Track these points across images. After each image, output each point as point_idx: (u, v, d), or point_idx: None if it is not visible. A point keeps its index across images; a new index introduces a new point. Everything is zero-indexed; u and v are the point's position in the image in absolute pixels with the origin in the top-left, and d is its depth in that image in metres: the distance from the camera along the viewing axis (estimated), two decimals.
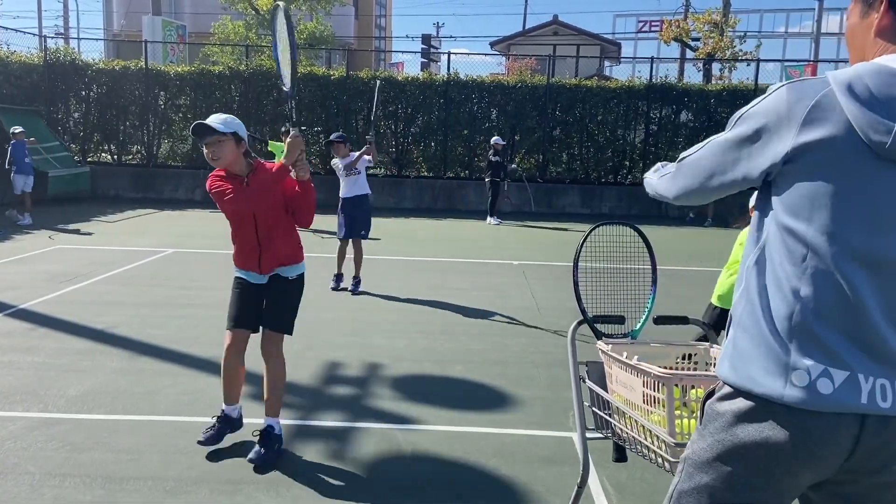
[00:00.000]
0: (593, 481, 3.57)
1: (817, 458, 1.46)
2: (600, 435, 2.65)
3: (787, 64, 24.27)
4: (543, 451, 3.99)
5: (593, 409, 2.64)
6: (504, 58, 28.19)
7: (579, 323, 2.66)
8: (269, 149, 12.90)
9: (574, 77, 18.06)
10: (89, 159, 17.26)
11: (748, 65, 21.44)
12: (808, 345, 1.45)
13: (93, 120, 17.28)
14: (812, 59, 27.27)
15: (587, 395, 2.65)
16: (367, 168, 8.28)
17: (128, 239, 10.86)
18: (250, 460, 3.68)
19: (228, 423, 3.94)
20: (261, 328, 3.89)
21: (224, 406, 3.96)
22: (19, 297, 6.98)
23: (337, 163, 7.99)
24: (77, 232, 11.50)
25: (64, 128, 17.26)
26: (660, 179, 1.86)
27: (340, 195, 8.00)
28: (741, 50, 23.28)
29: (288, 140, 3.66)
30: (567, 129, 17.04)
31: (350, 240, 7.89)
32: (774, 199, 1.52)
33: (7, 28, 17.88)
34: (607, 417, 2.55)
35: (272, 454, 3.73)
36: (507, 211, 15.37)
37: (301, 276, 3.97)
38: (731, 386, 1.54)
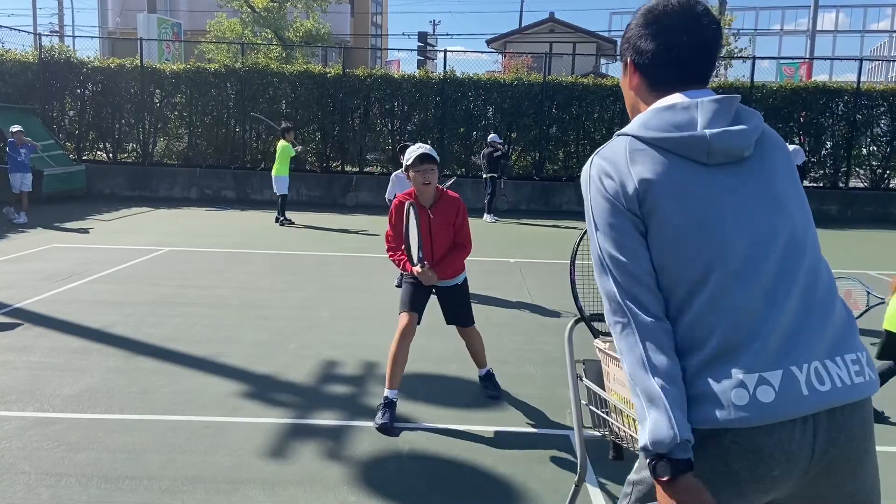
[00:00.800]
0: (590, 479, 3.57)
1: (770, 479, 1.43)
2: (598, 433, 2.65)
3: (781, 62, 24.30)
4: (540, 450, 3.99)
5: (591, 407, 2.64)
6: (500, 55, 28.17)
7: (576, 321, 2.65)
8: (283, 147, 12.78)
9: (570, 75, 18.04)
10: (84, 158, 17.20)
11: (744, 62, 21.47)
12: (733, 360, 1.43)
13: (88, 118, 17.23)
14: (807, 56, 27.28)
15: (584, 393, 2.65)
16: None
17: (123, 237, 10.83)
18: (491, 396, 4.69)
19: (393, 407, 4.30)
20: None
21: (387, 391, 4.29)
22: (14, 297, 6.96)
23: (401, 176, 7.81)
24: (72, 230, 11.46)
25: (59, 126, 17.20)
26: (629, 363, 1.52)
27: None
28: (737, 47, 23.30)
29: (421, 271, 4.38)
30: (563, 126, 17.04)
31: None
32: (652, 251, 1.54)
33: (1, 26, 17.74)
34: (605, 416, 2.55)
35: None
36: (503, 209, 15.37)
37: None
38: None
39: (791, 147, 12.12)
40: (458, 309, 4.67)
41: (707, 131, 1.51)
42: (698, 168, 1.52)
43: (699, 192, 1.50)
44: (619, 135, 1.60)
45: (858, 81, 16.69)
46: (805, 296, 1.49)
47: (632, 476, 1.64)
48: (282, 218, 12.84)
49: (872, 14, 77.62)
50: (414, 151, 4.36)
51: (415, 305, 4.43)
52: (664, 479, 1.38)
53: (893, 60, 60.09)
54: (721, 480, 1.44)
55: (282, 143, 12.77)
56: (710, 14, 1.62)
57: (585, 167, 1.62)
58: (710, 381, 1.44)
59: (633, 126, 1.59)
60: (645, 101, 1.67)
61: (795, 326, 1.46)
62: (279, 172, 12.77)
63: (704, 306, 1.47)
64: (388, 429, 4.14)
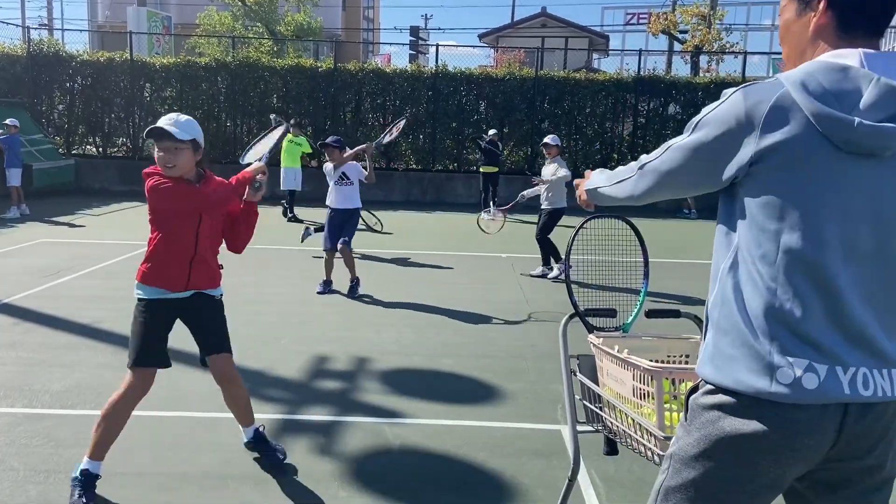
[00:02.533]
0: (582, 474, 3.56)
1: (804, 449, 1.48)
2: (591, 428, 2.64)
3: (773, 57, 24.34)
4: (532, 445, 3.98)
5: (584, 402, 2.63)
6: (493, 50, 28.13)
7: (571, 316, 2.64)
8: (292, 140, 12.71)
9: (562, 69, 18.04)
10: (74, 152, 17.08)
11: (735, 57, 21.50)
12: (789, 341, 1.47)
13: (77, 112, 17.10)
14: (781, 48, 27.24)
15: (578, 388, 2.64)
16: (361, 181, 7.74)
17: (113, 232, 10.76)
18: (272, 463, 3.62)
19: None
20: (205, 356, 3.58)
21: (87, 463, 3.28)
22: (3, 292, 6.90)
23: (329, 168, 7.62)
24: (62, 225, 11.38)
25: (48, 120, 17.07)
26: (616, 185, 1.88)
27: (328, 203, 7.65)
28: (728, 42, 23.35)
29: (256, 165, 3.51)
30: (555, 121, 17.02)
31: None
32: (745, 201, 1.54)
33: None
34: (598, 411, 2.54)
35: (270, 448, 3.67)
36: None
37: (221, 299, 3.60)
38: (715, 386, 1.55)
39: None
40: (214, 329, 3.63)
41: (857, 119, 1.42)
42: (831, 149, 1.45)
43: (818, 176, 1.46)
44: (779, 78, 1.52)
45: None
46: (879, 305, 1.49)
47: (671, 449, 1.66)
48: (290, 214, 12.84)
49: None
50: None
51: (151, 354, 3.42)
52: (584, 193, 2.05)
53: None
54: (759, 446, 1.49)
55: (288, 137, 12.73)
56: None
57: (726, 93, 1.57)
58: (762, 350, 1.49)
59: (796, 76, 1.48)
60: (822, 45, 1.56)
61: (860, 330, 1.47)
62: (284, 165, 12.74)
63: (782, 281, 1.48)
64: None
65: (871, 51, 1.50)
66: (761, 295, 1.50)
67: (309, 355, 5.35)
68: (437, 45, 17.33)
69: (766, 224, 1.50)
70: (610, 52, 34.56)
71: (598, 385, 2.51)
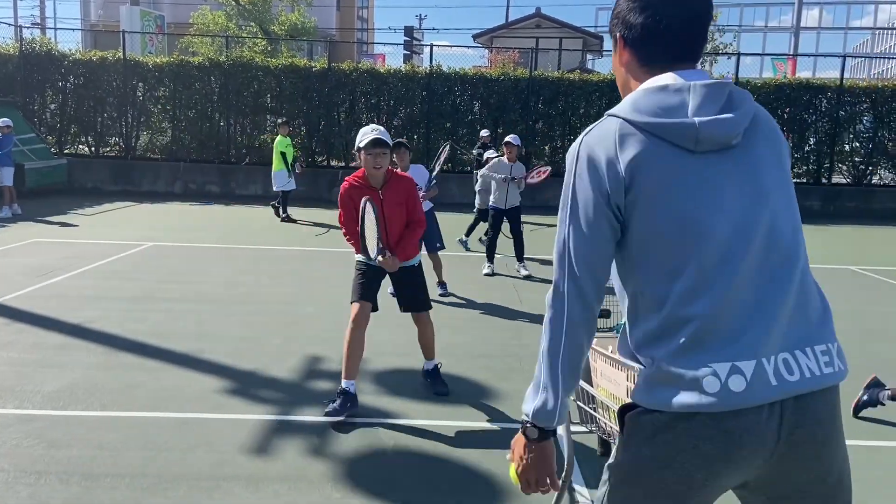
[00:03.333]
0: (576, 475, 3.56)
1: (739, 460, 1.47)
2: (585, 429, 2.63)
3: (773, 58, 24.42)
4: None
5: (578, 403, 2.62)
6: (487, 50, 28.13)
7: None
8: (278, 147, 12.68)
9: (556, 70, 18.04)
10: (66, 151, 17.00)
11: (728, 58, 21.57)
12: (707, 349, 1.47)
13: (70, 111, 17.03)
14: (791, 52, 27.44)
15: None
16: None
17: (106, 232, 10.72)
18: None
19: (351, 398, 4.25)
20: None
21: (344, 382, 4.26)
22: None
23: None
24: (54, 225, 11.33)
25: (40, 119, 16.99)
26: (555, 331, 1.63)
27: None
28: (722, 43, 23.42)
29: (383, 260, 4.32)
30: (550, 122, 17.04)
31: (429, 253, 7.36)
32: (627, 239, 1.56)
33: None
34: (592, 411, 2.54)
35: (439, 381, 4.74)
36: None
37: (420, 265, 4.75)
38: (648, 409, 1.54)
39: None
40: (415, 292, 4.62)
41: (696, 119, 1.49)
42: (685, 155, 1.51)
43: (684, 181, 1.50)
44: (609, 115, 1.58)
45: (842, 78, 16.80)
46: (780, 287, 1.51)
47: (610, 461, 1.66)
48: (283, 214, 12.79)
49: (855, 11, 78.29)
50: (367, 134, 4.26)
51: (365, 294, 4.39)
52: (531, 438, 1.62)
53: (876, 57, 60.64)
54: (694, 461, 1.48)
55: (278, 139, 12.71)
56: None
57: (574, 146, 1.60)
58: (684, 367, 1.47)
59: (624, 107, 1.56)
60: (637, 78, 1.65)
61: (769, 317, 1.49)
62: (275, 168, 12.70)
63: (683, 296, 1.49)
64: (338, 418, 4.14)
65: (681, 68, 1.59)
66: (664, 311, 1.51)
67: (302, 355, 5.33)
68: (432, 46, 17.32)
69: (645, 242, 1.53)
70: (604, 52, 34.62)
71: (592, 386, 2.50)
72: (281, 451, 3.79)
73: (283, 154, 12.58)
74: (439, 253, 7.52)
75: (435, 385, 4.72)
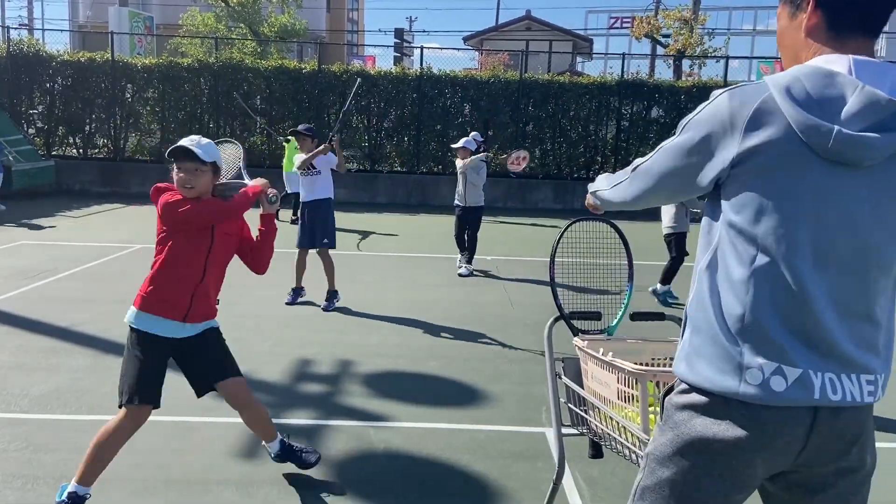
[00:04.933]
0: (566, 477, 3.56)
1: (773, 450, 1.51)
2: (576, 431, 2.64)
3: (758, 61, 24.55)
4: (516, 447, 3.97)
5: (569, 405, 2.62)
6: (477, 53, 28.16)
7: (556, 319, 2.64)
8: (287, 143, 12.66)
9: (547, 72, 18.08)
10: (54, 153, 16.87)
11: (717, 61, 21.68)
12: (761, 344, 1.49)
13: (57, 113, 16.90)
14: (779, 56, 27.59)
15: (563, 391, 2.63)
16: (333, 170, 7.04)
17: (94, 234, 10.65)
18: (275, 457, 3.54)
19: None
20: (205, 386, 3.41)
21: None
22: None
23: (298, 157, 6.94)
24: (41, 227, 11.24)
25: (28, 121, 16.86)
26: (613, 189, 1.90)
27: (301, 198, 7.01)
28: (711, 46, 23.54)
29: (261, 180, 3.44)
30: (540, 124, 17.06)
31: (312, 250, 6.99)
32: (723, 203, 1.56)
33: None
34: (583, 414, 2.54)
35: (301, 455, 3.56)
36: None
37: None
38: (688, 384, 1.58)
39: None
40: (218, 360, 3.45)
41: (836, 128, 1.42)
42: (812, 157, 1.45)
43: (796, 183, 1.47)
44: (766, 80, 1.52)
45: None
46: (852, 313, 1.50)
47: (648, 450, 1.69)
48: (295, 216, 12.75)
49: None
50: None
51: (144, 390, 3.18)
52: None
53: None
54: (728, 446, 1.51)
55: (292, 141, 12.70)
56: None
57: (713, 95, 1.58)
58: (732, 351, 1.50)
59: (782, 80, 1.49)
60: (812, 48, 1.55)
61: (830, 337, 1.48)
62: (287, 169, 12.65)
63: (756, 284, 1.50)
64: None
65: (862, 57, 1.49)
66: (735, 296, 1.51)
67: (292, 358, 5.31)
68: (422, 48, 17.33)
69: (743, 227, 1.51)
70: (594, 55, 34.76)
71: (582, 388, 2.51)
72: (271, 455, 3.76)
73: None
74: (330, 252, 6.97)
75: (301, 463, 3.56)
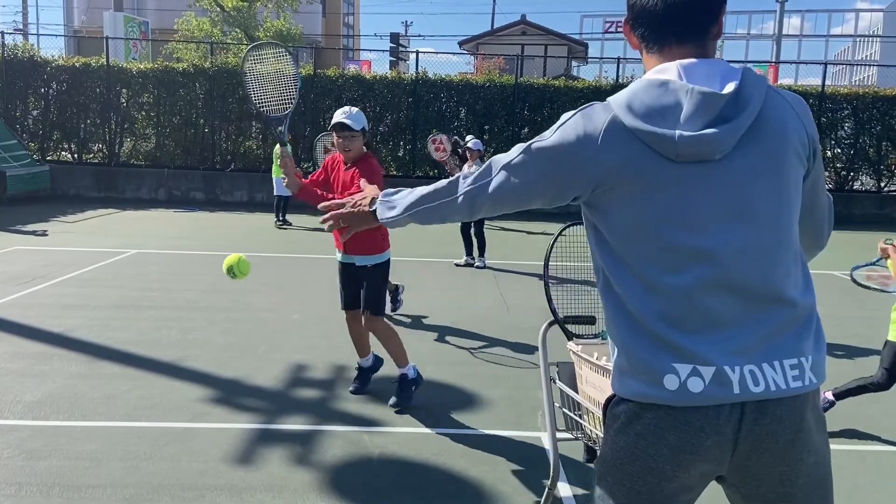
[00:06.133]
0: (561, 481, 3.55)
1: (703, 450, 1.51)
2: (571, 436, 2.63)
3: (749, 66, 24.61)
4: (512, 452, 3.96)
5: (564, 410, 2.62)
6: (472, 57, 28.19)
7: (550, 324, 2.63)
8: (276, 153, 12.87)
9: (542, 77, 18.10)
10: (48, 158, 16.83)
11: None
12: (668, 350, 1.50)
13: (52, 118, 16.87)
14: (773, 59, 27.72)
15: (558, 396, 2.63)
16: None
17: (88, 239, 10.62)
18: (391, 405, 4.46)
19: (367, 370, 4.80)
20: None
21: (359, 360, 4.78)
22: None
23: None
24: (35, 232, 11.21)
25: (22, 126, 16.83)
26: (471, 184, 1.73)
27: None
28: None
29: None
30: (536, 128, 17.06)
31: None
32: (597, 224, 1.61)
33: None
34: (578, 418, 2.53)
35: (407, 394, 4.52)
36: None
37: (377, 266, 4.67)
38: (620, 397, 1.60)
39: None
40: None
41: (677, 132, 1.48)
42: (666, 163, 1.51)
43: (660, 188, 1.52)
44: (609, 101, 1.58)
45: (823, 85, 16.98)
46: (756, 300, 1.52)
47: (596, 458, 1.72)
48: (278, 220, 12.87)
49: (836, 18, 79.22)
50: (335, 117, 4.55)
51: (346, 302, 4.67)
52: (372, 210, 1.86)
53: (857, 64, 61.34)
54: (661, 451, 1.52)
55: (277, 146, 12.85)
56: None
57: (569, 114, 1.62)
58: (647, 358, 1.52)
59: (620, 101, 1.56)
60: (650, 61, 1.63)
61: (739, 328, 1.51)
62: (275, 174, 12.88)
63: (651, 295, 1.53)
64: (357, 390, 4.72)
65: (689, 61, 1.55)
66: (632, 311, 1.55)
67: (287, 364, 5.30)
68: (418, 52, 17.33)
69: (618, 243, 1.56)
70: (589, 59, 34.84)
71: (577, 392, 2.50)
72: (265, 461, 3.75)
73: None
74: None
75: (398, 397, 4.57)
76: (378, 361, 4.90)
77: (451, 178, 1.74)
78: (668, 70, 1.55)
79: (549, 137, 1.61)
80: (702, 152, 1.49)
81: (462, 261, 9.44)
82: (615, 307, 1.59)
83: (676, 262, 1.51)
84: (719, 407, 1.49)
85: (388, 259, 4.69)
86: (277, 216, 12.85)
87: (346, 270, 4.60)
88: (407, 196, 1.80)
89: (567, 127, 1.59)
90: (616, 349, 1.61)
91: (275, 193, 12.89)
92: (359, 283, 4.55)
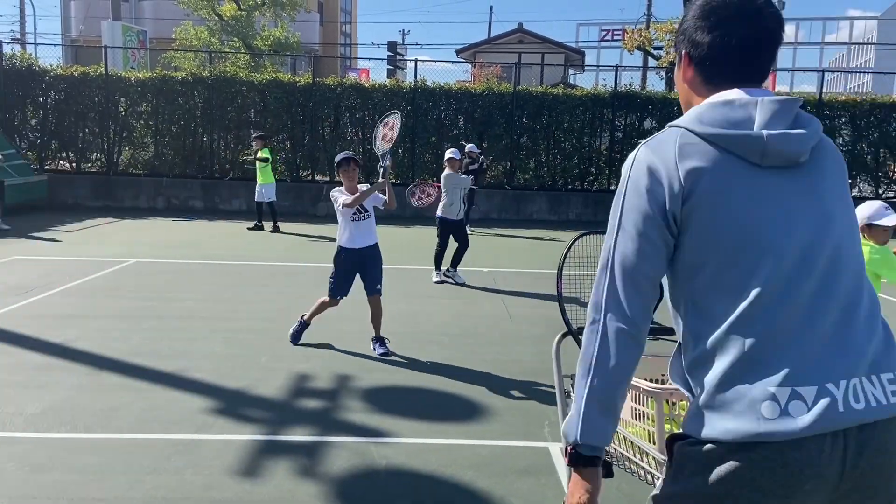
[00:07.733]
0: None
1: (800, 494, 1.38)
2: None
3: None
4: (519, 462, 3.93)
5: None
6: (470, 65, 28.24)
7: (563, 335, 2.60)
8: (261, 154, 13.21)
9: (540, 85, 18.12)
10: (47, 167, 16.79)
11: None
12: (765, 372, 1.39)
13: (50, 127, 16.84)
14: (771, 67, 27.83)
15: None
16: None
17: (87, 249, 10.57)
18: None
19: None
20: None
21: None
22: None
23: (337, 195, 5.85)
24: (35, 242, 11.15)
25: (20, 135, 16.79)
26: (594, 296, 1.58)
27: (340, 243, 6.03)
28: None
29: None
30: (534, 136, 17.09)
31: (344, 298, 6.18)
32: (685, 245, 1.50)
33: None
34: None
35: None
36: (475, 218, 15.34)
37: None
38: (701, 440, 1.46)
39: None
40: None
41: (764, 131, 1.45)
42: (751, 169, 1.46)
43: (748, 194, 1.45)
44: (671, 126, 1.54)
45: (820, 92, 17.02)
46: (845, 312, 1.45)
47: (655, 492, 1.58)
48: (274, 225, 13.15)
49: (830, 26, 79.55)
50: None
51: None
52: (571, 463, 1.51)
53: (854, 72, 61.58)
54: (751, 496, 1.38)
55: (260, 154, 13.21)
56: (771, 5, 1.55)
57: (631, 155, 1.55)
58: (740, 390, 1.40)
59: (687, 118, 1.52)
60: (699, 94, 1.60)
61: (833, 343, 1.42)
62: (263, 181, 13.17)
63: (741, 315, 1.43)
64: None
65: (748, 87, 1.55)
66: (725, 336, 1.44)
67: (289, 373, 5.26)
68: (416, 61, 17.34)
69: (707, 261, 1.47)
70: (586, 67, 34.92)
71: None
72: (270, 473, 3.71)
73: (265, 160, 13.05)
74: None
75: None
76: None
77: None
78: (729, 93, 1.54)
79: (625, 185, 1.54)
80: (789, 152, 1.46)
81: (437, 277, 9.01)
82: (691, 330, 1.51)
83: (766, 270, 1.43)
84: (821, 439, 1.36)
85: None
86: (273, 221, 13.13)
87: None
88: (576, 383, 1.57)
89: (637, 161, 1.53)
90: (698, 386, 1.49)
91: (266, 200, 13.16)
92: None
